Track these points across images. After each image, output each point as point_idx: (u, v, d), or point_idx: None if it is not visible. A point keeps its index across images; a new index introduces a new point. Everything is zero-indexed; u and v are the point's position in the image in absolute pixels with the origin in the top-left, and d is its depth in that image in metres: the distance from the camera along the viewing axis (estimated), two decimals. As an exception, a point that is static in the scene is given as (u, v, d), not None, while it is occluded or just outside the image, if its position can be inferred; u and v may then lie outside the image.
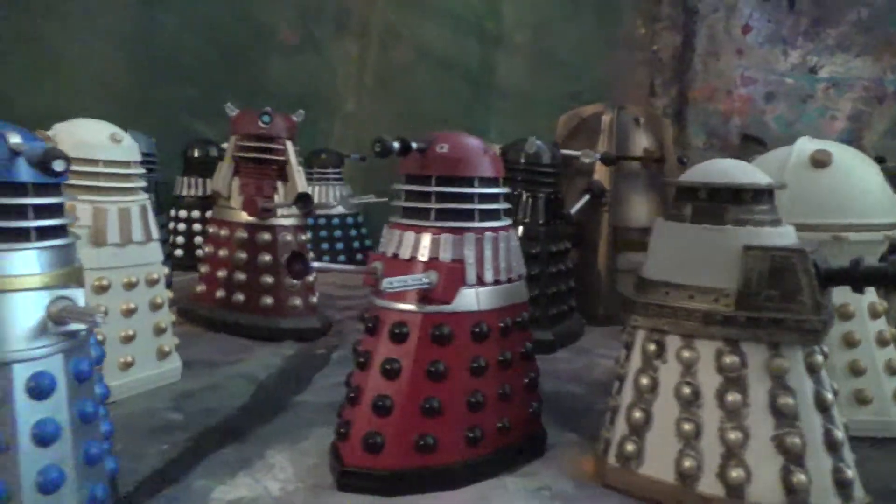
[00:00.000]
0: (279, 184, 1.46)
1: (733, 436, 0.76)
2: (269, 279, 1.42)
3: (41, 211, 0.66)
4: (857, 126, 2.55)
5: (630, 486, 0.82)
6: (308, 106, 1.53)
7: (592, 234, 1.69)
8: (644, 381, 0.82)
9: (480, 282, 0.84)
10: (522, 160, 1.42)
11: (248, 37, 2.47)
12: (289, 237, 1.44)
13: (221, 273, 1.44)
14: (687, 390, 0.79)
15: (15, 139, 0.64)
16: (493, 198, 0.86)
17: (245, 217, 1.43)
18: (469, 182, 0.84)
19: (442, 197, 0.83)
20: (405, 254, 0.83)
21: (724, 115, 2.80)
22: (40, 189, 0.66)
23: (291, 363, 1.24)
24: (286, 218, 1.45)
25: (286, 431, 0.96)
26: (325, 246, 2.21)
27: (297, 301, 1.43)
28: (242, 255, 1.43)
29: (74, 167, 0.96)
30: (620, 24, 2.84)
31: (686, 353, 0.79)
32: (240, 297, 1.43)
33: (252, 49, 2.48)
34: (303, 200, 1.32)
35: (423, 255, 0.82)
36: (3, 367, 0.62)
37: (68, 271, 0.69)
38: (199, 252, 1.96)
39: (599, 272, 1.68)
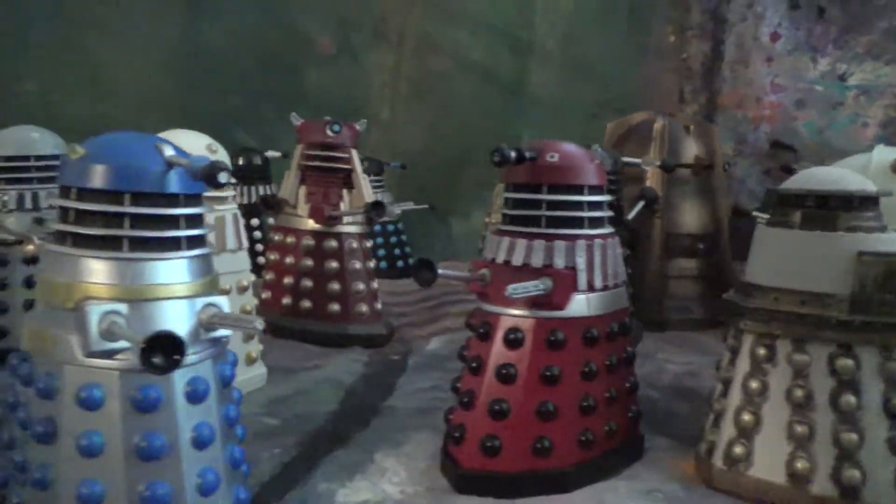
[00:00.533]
0: (344, 192, 1.48)
1: (848, 438, 0.78)
2: (335, 286, 1.43)
3: (190, 221, 0.68)
4: (890, 133, 2.57)
5: (739, 488, 0.84)
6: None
7: (645, 240, 1.71)
8: (753, 384, 0.84)
9: (591, 287, 0.85)
10: (585, 168, 1.44)
11: (286, 46, 2.49)
12: (355, 244, 1.46)
13: (288, 280, 1.46)
14: (799, 393, 0.81)
15: (170, 152, 0.66)
16: (599, 205, 0.88)
17: (311, 224, 1.45)
18: (579, 190, 0.86)
19: (553, 205, 0.85)
20: (517, 260, 0.85)
21: (754, 122, 2.83)
22: (189, 199, 0.68)
23: (372, 369, 1.26)
24: (351, 225, 1.47)
25: (386, 436, 0.97)
26: (367, 253, 2.23)
27: (364, 307, 1.45)
28: (309, 263, 1.45)
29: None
30: (650, 33, 2.87)
31: (798, 357, 0.81)
32: (307, 303, 1.44)
33: (290, 58, 2.50)
34: (376, 208, 1.34)
35: (537, 262, 0.84)
36: (164, 372, 0.64)
37: (211, 279, 0.71)
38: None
39: (652, 278, 1.70)
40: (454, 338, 1.47)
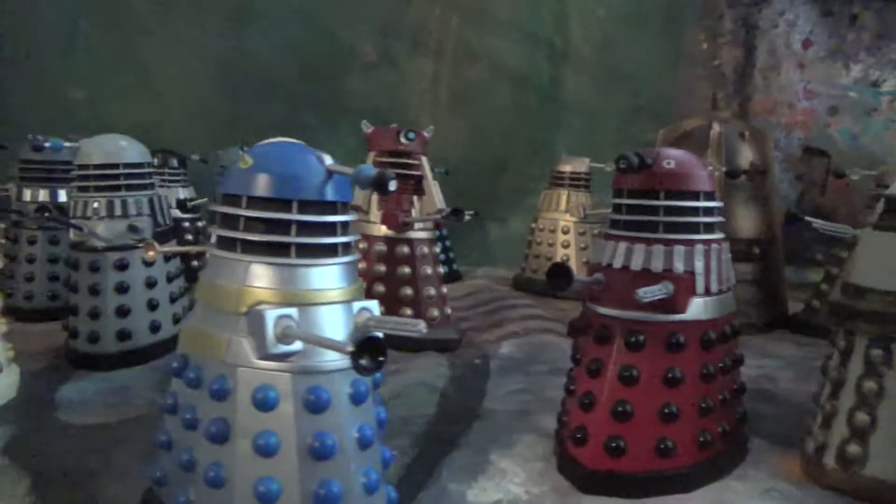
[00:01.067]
0: (415, 198, 1.50)
1: (969, 437, 0.80)
2: (408, 291, 1.45)
3: (343, 228, 0.70)
4: (925, 138, 2.60)
5: (853, 488, 0.86)
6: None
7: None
8: (869, 385, 0.85)
9: (707, 291, 0.87)
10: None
11: (329, 54, 2.52)
12: (426, 250, 1.48)
13: (359, 285, 1.48)
14: (918, 394, 0.83)
15: (329, 161, 0.68)
16: (712, 211, 0.90)
17: (384, 230, 1.47)
18: (695, 196, 0.88)
19: (670, 210, 0.87)
20: (636, 265, 0.86)
21: (787, 127, 2.85)
22: (343, 207, 0.70)
23: (457, 372, 1.27)
24: (422, 231, 1.49)
25: (492, 438, 0.99)
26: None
27: (435, 312, 1.47)
28: (381, 268, 1.46)
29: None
30: (683, 40, 2.90)
31: (916, 359, 0.83)
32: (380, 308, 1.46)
33: (332, 67, 2.53)
34: (457, 214, 1.36)
35: (657, 266, 0.86)
36: (328, 375, 0.66)
37: (359, 285, 0.72)
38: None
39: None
40: (525, 342, 1.49)
